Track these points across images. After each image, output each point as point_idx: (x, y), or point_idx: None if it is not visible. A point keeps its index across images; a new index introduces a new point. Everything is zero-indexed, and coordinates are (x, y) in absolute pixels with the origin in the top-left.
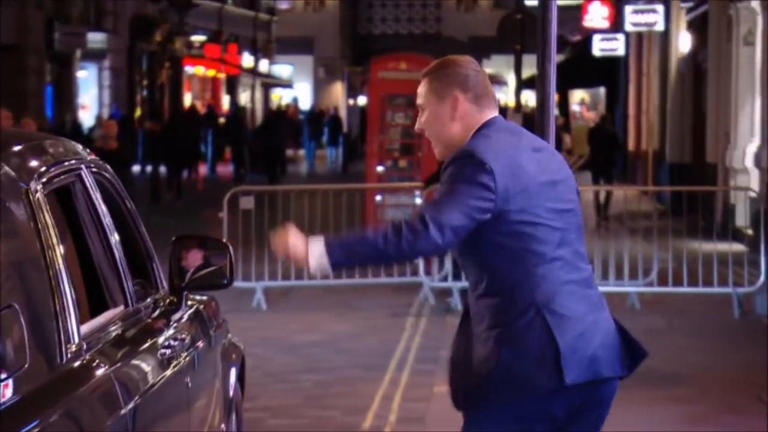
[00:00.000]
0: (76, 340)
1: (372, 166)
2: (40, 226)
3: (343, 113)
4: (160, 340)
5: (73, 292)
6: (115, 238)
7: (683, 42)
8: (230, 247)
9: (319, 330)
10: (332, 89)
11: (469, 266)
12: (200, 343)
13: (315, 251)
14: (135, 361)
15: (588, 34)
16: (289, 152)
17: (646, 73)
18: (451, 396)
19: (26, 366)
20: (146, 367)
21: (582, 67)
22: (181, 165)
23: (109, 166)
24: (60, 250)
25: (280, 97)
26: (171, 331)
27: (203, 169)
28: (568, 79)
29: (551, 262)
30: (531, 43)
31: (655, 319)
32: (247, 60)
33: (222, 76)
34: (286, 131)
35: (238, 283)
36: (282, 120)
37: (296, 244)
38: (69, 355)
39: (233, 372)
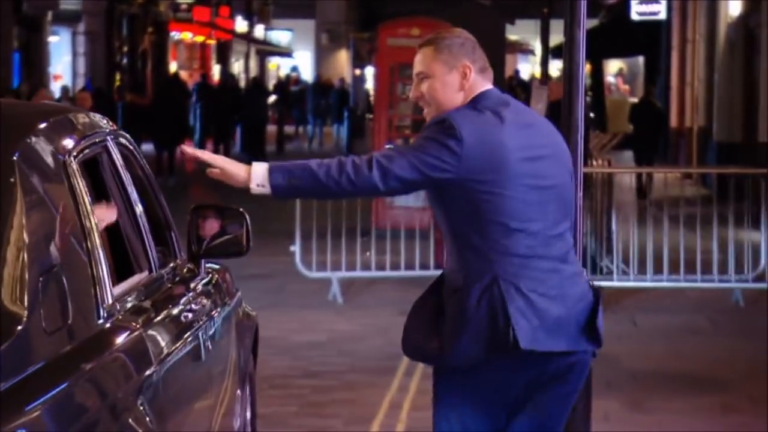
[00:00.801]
0: (110, 301)
1: (380, 144)
2: (76, 196)
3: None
4: (182, 304)
5: (106, 257)
6: (139, 206)
7: (733, 5)
8: (246, 216)
9: (318, 329)
10: (336, 58)
11: (441, 223)
12: (217, 309)
13: (257, 174)
14: (161, 323)
15: None
16: (289, 129)
17: (691, 40)
18: (413, 348)
19: (69, 322)
20: (171, 328)
21: (618, 34)
22: (169, 141)
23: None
24: (94, 218)
25: (278, 66)
26: (191, 297)
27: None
28: (603, 48)
29: (517, 235)
30: (560, 5)
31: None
32: (240, 24)
33: (212, 42)
34: (265, 105)
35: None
36: (260, 92)
37: (235, 166)
38: (105, 315)
39: (247, 341)
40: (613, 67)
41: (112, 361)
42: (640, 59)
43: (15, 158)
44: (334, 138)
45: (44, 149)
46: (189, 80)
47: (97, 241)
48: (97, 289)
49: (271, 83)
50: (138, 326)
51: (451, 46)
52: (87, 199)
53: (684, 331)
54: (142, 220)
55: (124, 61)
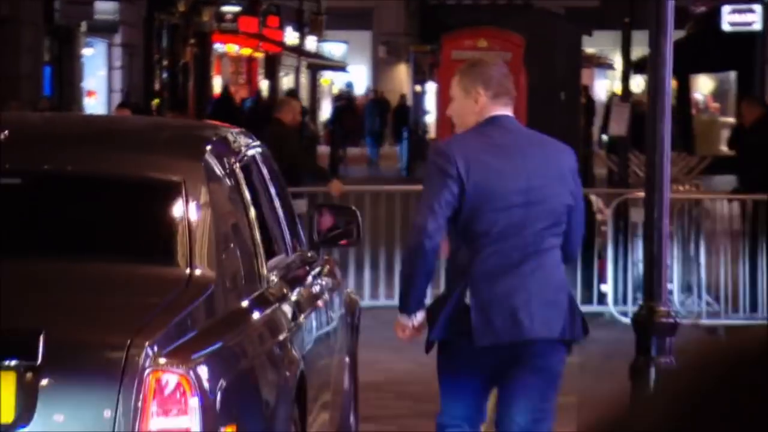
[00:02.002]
0: (265, 272)
1: None
2: (242, 192)
3: (408, 102)
4: (311, 280)
5: (261, 241)
6: (277, 203)
7: None
8: (358, 212)
9: (375, 368)
10: (395, 72)
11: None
12: (334, 288)
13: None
14: (299, 291)
15: (716, 5)
16: (353, 150)
17: None
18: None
19: (242, 285)
20: (306, 296)
21: (707, 47)
22: None
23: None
24: (253, 210)
25: (331, 81)
26: (316, 275)
27: None
28: (690, 62)
29: (494, 234)
30: (643, 15)
31: None
32: (290, 36)
33: (260, 55)
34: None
35: None
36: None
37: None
38: (263, 282)
39: (352, 318)
40: (703, 84)
41: (272, 313)
42: (732, 75)
43: (201, 162)
44: (398, 161)
45: (219, 156)
46: (237, 95)
47: (257, 227)
48: (258, 263)
49: (325, 100)
50: (285, 291)
51: (470, 74)
52: (248, 194)
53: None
54: (281, 214)
55: (164, 75)
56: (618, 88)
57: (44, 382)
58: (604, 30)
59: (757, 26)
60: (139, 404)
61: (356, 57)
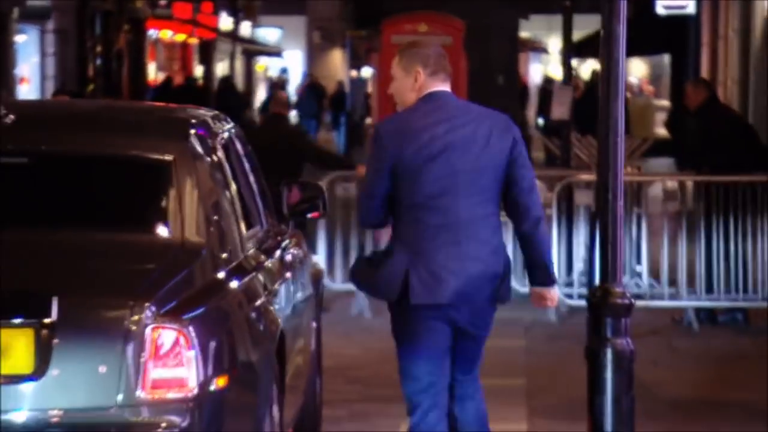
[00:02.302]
0: (245, 241)
1: None
2: (223, 168)
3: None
4: (283, 249)
5: (242, 213)
6: (252, 178)
7: None
8: (323, 187)
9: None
10: (330, 58)
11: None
12: (302, 259)
13: None
14: (275, 258)
15: None
16: None
17: (723, 36)
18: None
19: (228, 251)
20: (280, 263)
21: (642, 30)
22: None
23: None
24: (233, 185)
25: (266, 67)
26: (287, 245)
27: None
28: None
29: (432, 204)
30: None
31: None
32: (225, 22)
33: (194, 41)
34: (237, 109)
35: None
36: (232, 94)
37: None
38: (244, 249)
39: (317, 286)
40: (636, 67)
41: (253, 277)
42: (666, 58)
43: (188, 143)
44: (335, 146)
45: (203, 137)
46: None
47: (237, 199)
48: (240, 233)
49: (260, 85)
50: (262, 259)
51: (410, 54)
52: (228, 171)
53: (727, 355)
54: (255, 189)
55: (98, 61)
56: (551, 72)
57: (57, 337)
58: (537, 14)
59: (691, 9)
60: (141, 357)
61: (291, 42)
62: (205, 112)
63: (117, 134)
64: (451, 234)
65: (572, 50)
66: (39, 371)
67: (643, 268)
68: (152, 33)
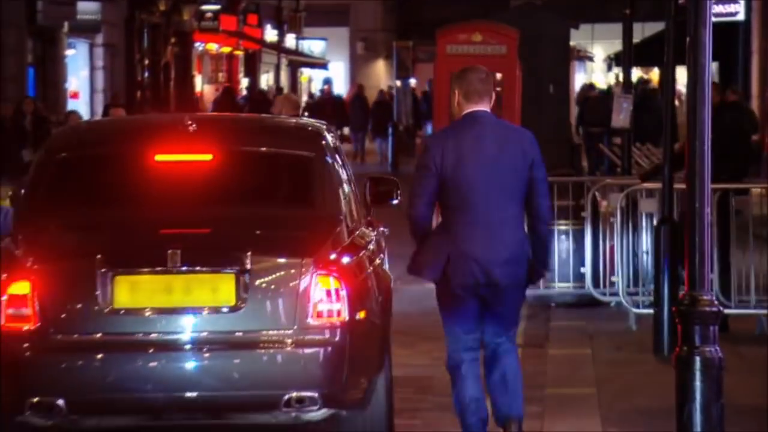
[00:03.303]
0: (360, 215)
1: None
2: (343, 161)
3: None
4: (377, 229)
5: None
6: (351, 172)
7: None
8: (397, 181)
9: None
10: (373, 68)
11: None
12: (382, 235)
13: None
14: (376, 232)
15: None
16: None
17: None
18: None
19: (354, 219)
20: (378, 235)
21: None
22: None
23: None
24: (345, 173)
25: (309, 78)
26: (377, 227)
27: None
28: (675, 53)
29: (468, 203)
30: (643, 6)
31: None
32: (270, 34)
33: (240, 53)
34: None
35: None
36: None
37: None
38: (361, 222)
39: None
40: (684, 75)
41: (372, 241)
42: (713, 65)
43: (323, 143)
44: (377, 157)
45: (329, 139)
46: (214, 95)
47: (351, 185)
48: (357, 208)
49: (303, 96)
50: (371, 230)
51: (454, 77)
52: (341, 162)
53: None
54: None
55: (146, 74)
56: (597, 81)
57: (251, 281)
58: (585, 23)
59: (741, 16)
60: (310, 294)
61: (334, 54)
62: (320, 122)
63: (274, 137)
64: (482, 229)
65: (613, 59)
66: (238, 304)
67: (715, 276)
68: (199, 45)
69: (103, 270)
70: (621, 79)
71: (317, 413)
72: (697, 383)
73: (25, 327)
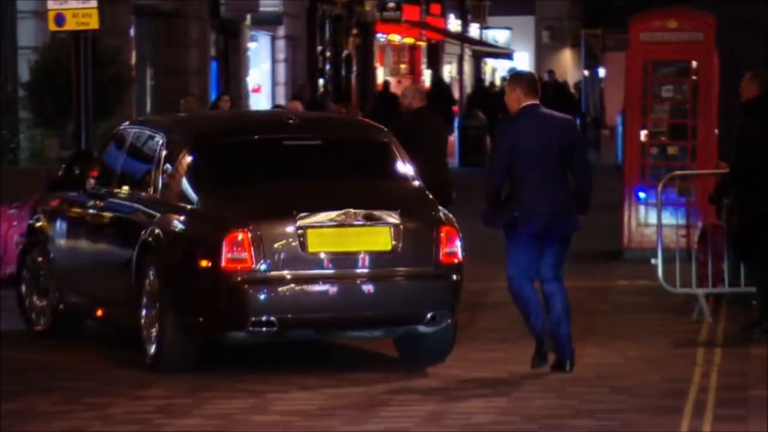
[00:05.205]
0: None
1: (633, 155)
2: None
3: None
4: None
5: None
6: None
7: None
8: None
9: (579, 363)
10: (559, 58)
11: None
12: None
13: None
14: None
15: None
16: None
17: None
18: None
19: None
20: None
21: None
22: None
23: None
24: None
25: (493, 69)
26: None
27: None
28: None
29: (530, 173)
30: None
31: None
32: (453, 24)
33: (422, 44)
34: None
35: None
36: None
37: None
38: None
39: None
40: None
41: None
42: None
43: (391, 131)
44: None
45: (384, 131)
46: (398, 87)
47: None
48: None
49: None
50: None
51: (513, 78)
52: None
53: None
54: None
55: (327, 67)
56: None
57: (402, 231)
58: None
59: None
60: (439, 241)
61: (519, 43)
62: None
63: (358, 129)
64: (539, 191)
65: None
66: (393, 249)
67: None
68: (381, 36)
69: (298, 224)
70: None
71: (447, 323)
72: None
73: (242, 266)
